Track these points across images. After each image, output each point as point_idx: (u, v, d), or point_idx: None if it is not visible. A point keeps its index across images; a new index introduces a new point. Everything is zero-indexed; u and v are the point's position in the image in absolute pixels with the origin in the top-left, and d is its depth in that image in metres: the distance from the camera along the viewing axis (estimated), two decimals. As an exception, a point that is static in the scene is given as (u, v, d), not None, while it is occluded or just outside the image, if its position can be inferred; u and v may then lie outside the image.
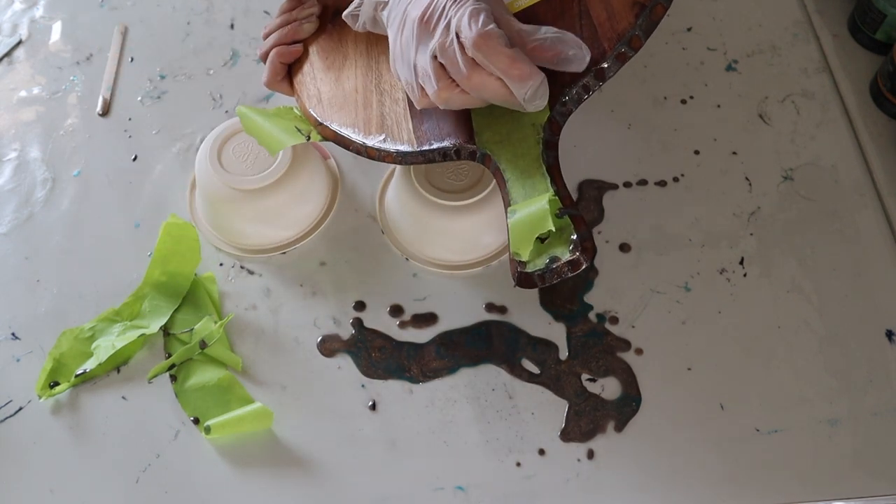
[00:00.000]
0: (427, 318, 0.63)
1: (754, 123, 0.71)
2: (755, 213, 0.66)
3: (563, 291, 0.63)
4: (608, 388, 0.59)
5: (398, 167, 0.64)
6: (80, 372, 0.61)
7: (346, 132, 0.60)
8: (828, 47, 0.74)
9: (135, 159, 0.73)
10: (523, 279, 0.51)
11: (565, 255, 0.50)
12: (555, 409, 0.58)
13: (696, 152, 0.69)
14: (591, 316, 0.62)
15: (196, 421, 0.59)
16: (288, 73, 0.65)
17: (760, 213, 0.66)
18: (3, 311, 0.65)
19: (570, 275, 0.50)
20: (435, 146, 0.57)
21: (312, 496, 0.56)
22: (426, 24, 0.50)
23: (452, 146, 0.56)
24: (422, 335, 0.62)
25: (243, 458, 0.58)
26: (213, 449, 0.58)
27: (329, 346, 0.62)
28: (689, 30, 0.76)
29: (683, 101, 0.72)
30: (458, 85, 0.51)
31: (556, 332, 0.61)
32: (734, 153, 0.69)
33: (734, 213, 0.66)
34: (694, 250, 0.64)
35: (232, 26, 0.80)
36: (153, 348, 0.62)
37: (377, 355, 0.61)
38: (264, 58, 0.65)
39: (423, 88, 0.52)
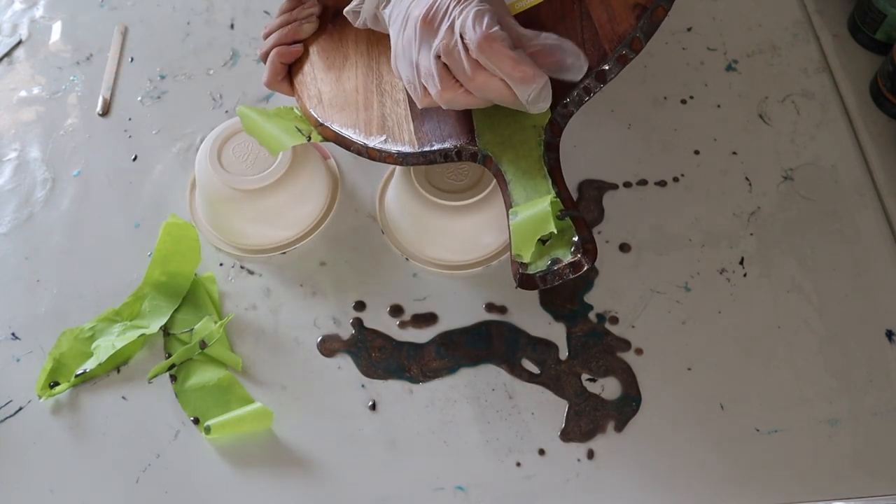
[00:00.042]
0: (427, 318, 0.63)
1: (754, 123, 0.71)
2: (755, 213, 0.66)
3: (563, 291, 0.63)
4: (608, 388, 0.59)
5: (398, 167, 0.64)
6: (80, 372, 0.61)
7: (347, 133, 0.60)
8: (828, 47, 0.74)
9: (135, 159, 0.73)
10: (525, 280, 0.51)
11: (567, 257, 0.50)
12: (555, 409, 0.58)
13: (696, 152, 0.69)
14: (591, 316, 0.62)
15: (196, 421, 0.59)
16: (288, 73, 0.65)
17: (760, 213, 0.66)
18: (3, 311, 0.65)
19: (571, 276, 0.50)
20: (436, 147, 0.57)
21: (312, 496, 0.56)
22: (429, 24, 0.50)
23: (454, 147, 0.56)
24: (422, 335, 0.62)
25: (243, 458, 0.58)
26: (213, 449, 0.58)
27: (329, 346, 0.62)
28: (689, 30, 0.76)
29: (683, 101, 0.72)
30: (461, 85, 0.51)
31: (556, 332, 0.61)
32: (734, 153, 0.69)
33: (734, 213, 0.66)
34: (694, 250, 0.64)
35: (232, 26, 0.80)
36: (153, 348, 0.62)
37: (377, 355, 0.61)
38: (264, 58, 0.65)
39: (425, 88, 0.52)
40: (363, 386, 0.60)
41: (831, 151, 0.69)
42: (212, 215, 0.67)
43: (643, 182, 0.68)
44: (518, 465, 0.57)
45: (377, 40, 0.62)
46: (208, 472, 0.58)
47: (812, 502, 0.54)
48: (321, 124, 0.61)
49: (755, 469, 0.56)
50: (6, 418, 0.60)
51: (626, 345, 0.61)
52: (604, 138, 0.70)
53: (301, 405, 0.60)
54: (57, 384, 0.61)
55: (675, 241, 0.65)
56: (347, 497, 0.56)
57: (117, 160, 0.73)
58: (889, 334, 0.60)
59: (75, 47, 0.80)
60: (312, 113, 0.62)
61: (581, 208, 0.66)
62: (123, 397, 0.61)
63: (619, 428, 0.58)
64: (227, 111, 0.75)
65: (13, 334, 0.64)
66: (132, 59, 0.79)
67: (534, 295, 0.63)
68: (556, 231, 0.50)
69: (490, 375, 0.60)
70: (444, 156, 0.56)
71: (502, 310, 0.63)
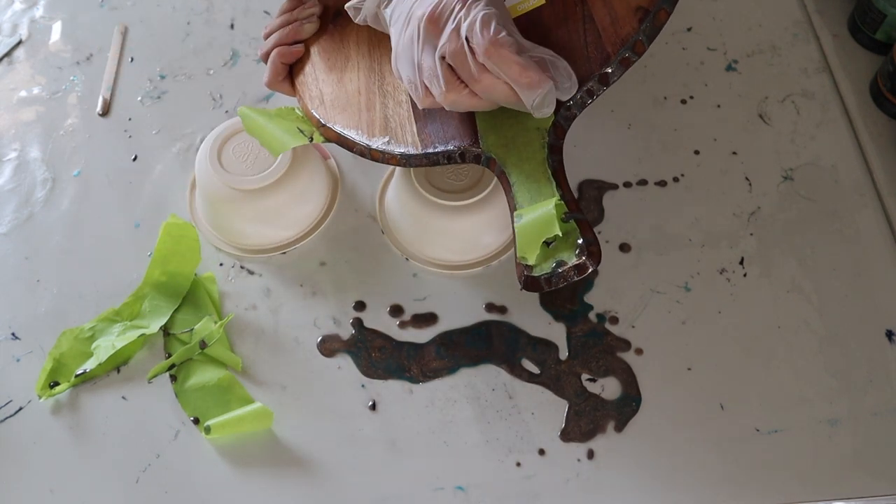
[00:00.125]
0: (427, 318, 0.63)
1: (754, 123, 0.71)
2: (755, 213, 0.66)
3: (563, 291, 0.63)
4: (608, 388, 0.59)
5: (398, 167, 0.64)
6: (80, 372, 0.61)
7: (350, 134, 0.60)
8: (828, 47, 0.74)
9: (135, 159, 0.73)
10: (530, 283, 0.51)
11: (571, 260, 0.50)
12: (555, 409, 0.58)
13: (696, 152, 0.69)
14: (591, 316, 0.62)
15: (196, 421, 0.59)
16: (289, 73, 0.65)
17: (760, 213, 0.66)
18: (3, 311, 0.65)
19: (576, 278, 0.50)
20: (440, 149, 0.57)
21: (312, 496, 0.56)
22: (434, 23, 0.50)
23: (457, 149, 0.56)
24: (422, 335, 0.62)
25: (243, 458, 0.58)
26: (213, 449, 0.58)
27: (329, 346, 0.62)
28: (689, 30, 0.76)
29: (683, 101, 0.72)
30: (466, 87, 0.51)
31: (556, 332, 0.61)
32: (734, 153, 0.69)
33: (734, 213, 0.66)
34: (694, 250, 0.64)
35: (232, 26, 0.80)
36: (153, 348, 0.62)
37: (377, 355, 0.61)
38: (265, 58, 0.65)
39: (427, 88, 0.52)
40: (363, 386, 0.60)
41: (831, 151, 0.69)
42: (212, 215, 0.67)
43: (643, 182, 0.68)
44: (518, 465, 0.57)
45: (378, 41, 0.62)
46: (208, 472, 0.58)
47: (812, 502, 0.54)
48: (323, 125, 0.61)
49: (755, 469, 0.56)
50: (6, 418, 0.60)
51: (626, 345, 0.61)
52: (604, 138, 0.70)
53: (301, 405, 0.60)
54: (57, 384, 0.61)
55: (675, 241, 0.65)
56: (347, 497, 0.56)
57: (117, 160, 0.73)
58: (889, 334, 0.60)
59: (75, 47, 0.80)
60: (314, 114, 0.62)
61: (581, 208, 0.66)
62: (123, 397, 0.61)
63: (619, 428, 0.58)
64: (227, 111, 0.75)
65: (13, 334, 0.64)
66: (132, 59, 0.79)
67: (534, 295, 0.63)
68: (560, 234, 0.50)
69: (490, 375, 0.60)
70: (448, 157, 0.56)
71: (502, 310, 0.63)
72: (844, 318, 0.61)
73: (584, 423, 0.58)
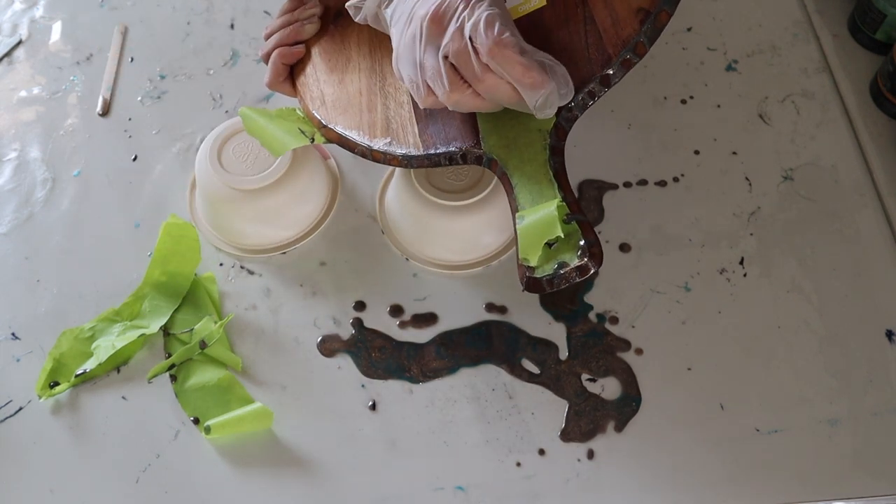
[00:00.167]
0: (427, 318, 0.63)
1: (754, 123, 0.71)
2: (755, 213, 0.66)
3: (563, 292, 0.63)
4: (608, 388, 0.59)
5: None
6: (80, 372, 0.61)
7: (351, 135, 0.60)
8: (828, 47, 0.74)
9: (135, 159, 0.73)
10: (532, 284, 0.51)
11: (574, 261, 0.50)
12: (555, 409, 0.58)
13: (696, 152, 0.69)
14: (591, 316, 0.62)
15: (196, 421, 0.59)
16: (290, 74, 0.65)
17: (760, 213, 0.66)
18: (3, 311, 0.65)
19: (578, 280, 0.50)
20: (441, 150, 0.57)
21: (312, 496, 0.56)
22: (437, 23, 0.50)
23: (459, 150, 0.56)
24: (422, 335, 0.62)
25: (243, 458, 0.58)
26: (213, 449, 0.58)
27: (329, 346, 0.62)
28: (689, 30, 0.76)
29: (683, 101, 0.72)
30: (469, 86, 0.51)
31: (556, 332, 0.61)
32: (734, 153, 0.69)
33: (734, 213, 0.66)
34: (694, 250, 0.64)
35: (232, 26, 0.80)
36: (153, 348, 0.62)
37: (377, 355, 0.61)
38: (266, 59, 0.65)
39: (429, 87, 0.52)
40: (363, 386, 0.60)
41: (831, 151, 0.69)
42: (212, 215, 0.67)
43: (643, 182, 0.68)
44: (518, 465, 0.57)
45: (379, 42, 0.62)
46: (208, 472, 0.58)
47: (812, 502, 0.54)
48: (324, 126, 0.61)
49: (755, 469, 0.56)
50: (6, 418, 0.60)
51: (626, 345, 0.61)
52: (604, 138, 0.70)
53: (301, 405, 0.60)
54: (57, 384, 0.61)
55: (675, 241, 0.65)
56: (347, 497, 0.56)
57: (117, 160, 0.73)
58: (889, 334, 0.60)
59: (75, 47, 0.80)
60: (315, 115, 0.62)
61: (582, 210, 0.66)
62: (123, 397, 0.61)
63: (619, 428, 0.58)
64: (227, 111, 0.75)
65: (13, 334, 0.64)
66: (132, 59, 0.79)
67: (534, 295, 0.63)
68: (562, 235, 0.50)
69: (490, 375, 0.60)
70: (449, 159, 0.56)
71: (502, 310, 0.63)
72: (844, 318, 0.61)
73: (584, 423, 0.58)
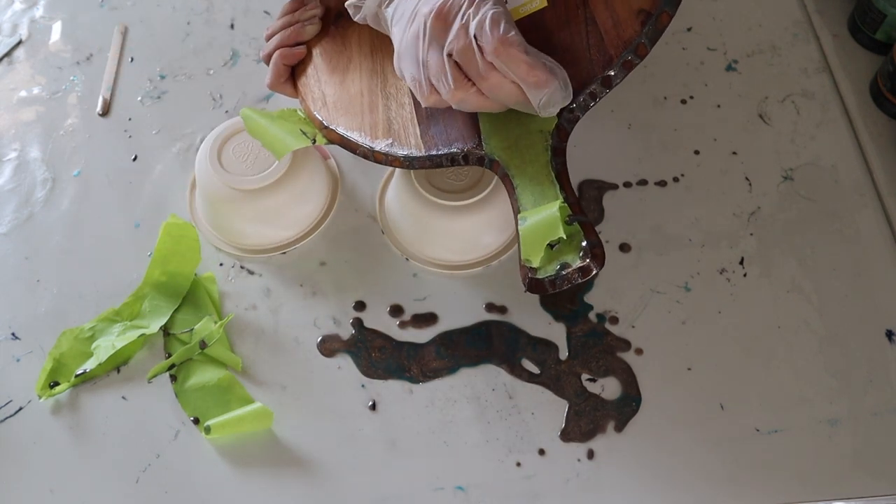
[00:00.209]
0: (427, 318, 0.63)
1: (754, 123, 0.71)
2: (755, 213, 0.66)
3: (563, 292, 0.63)
4: (608, 388, 0.59)
5: (398, 167, 0.64)
6: (80, 372, 0.61)
7: (353, 136, 0.60)
8: (828, 47, 0.74)
9: (135, 159, 0.73)
10: (534, 285, 0.51)
11: (576, 262, 0.50)
12: (555, 409, 0.58)
13: (696, 152, 0.69)
14: (591, 316, 0.62)
15: (196, 421, 0.59)
16: (291, 75, 0.65)
17: (760, 213, 0.66)
18: (3, 311, 0.65)
19: (580, 281, 0.50)
20: (443, 151, 0.57)
21: (312, 496, 0.56)
22: (442, 21, 0.50)
23: (460, 151, 0.56)
24: (422, 335, 0.62)
25: (243, 458, 0.58)
26: (213, 449, 0.58)
27: (329, 346, 0.62)
28: (689, 30, 0.76)
29: (683, 101, 0.72)
30: (473, 85, 0.51)
31: (556, 332, 0.61)
32: (734, 153, 0.69)
33: (734, 213, 0.66)
34: (694, 250, 0.64)
35: (232, 26, 0.80)
36: (153, 348, 0.62)
37: (377, 355, 0.61)
38: (267, 60, 0.65)
39: (432, 86, 0.52)
40: (363, 386, 0.60)
41: (831, 151, 0.69)
42: (212, 215, 0.67)
43: (643, 182, 0.68)
44: (518, 465, 0.57)
45: (381, 43, 0.62)
46: (208, 472, 0.58)
47: (812, 502, 0.54)
48: (326, 127, 0.61)
49: (755, 469, 0.56)
50: (6, 418, 0.60)
51: (626, 345, 0.61)
52: (604, 138, 0.70)
53: (301, 405, 0.60)
54: (57, 384, 0.61)
55: (675, 241, 0.65)
56: (347, 497, 0.56)
57: (117, 160, 0.73)
58: (889, 334, 0.60)
59: (75, 47, 0.80)
60: (317, 116, 0.62)
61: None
62: (123, 397, 0.61)
63: (619, 428, 0.58)
64: (227, 111, 0.75)
65: (13, 334, 0.64)
66: (132, 59, 0.79)
67: (534, 295, 0.63)
68: (564, 236, 0.50)
69: (490, 375, 0.60)
70: (451, 160, 0.56)
71: (502, 310, 0.63)
72: (844, 318, 0.61)
73: (584, 423, 0.58)
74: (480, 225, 0.63)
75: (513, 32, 0.49)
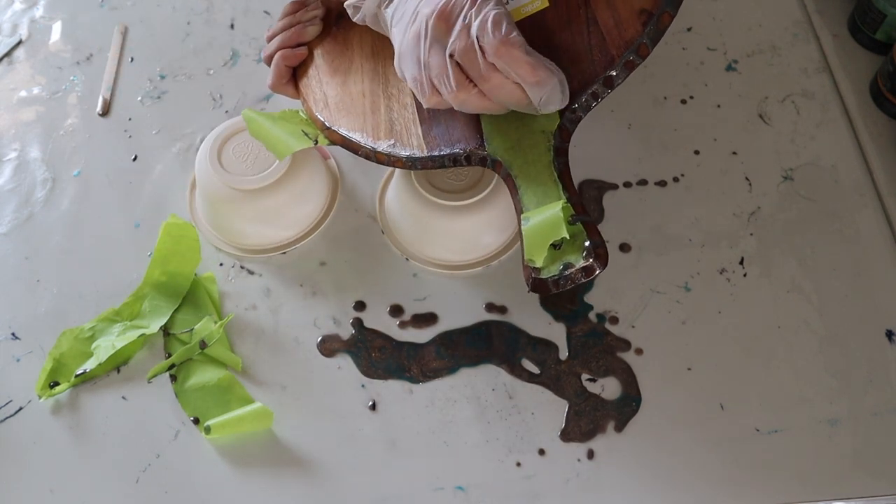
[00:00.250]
0: (427, 318, 0.63)
1: (754, 123, 0.71)
2: (755, 213, 0.66)
3: (563, 292, 0.63)
4: (608, 388, 0.59)
5: (398, 167, 0.64)
6: (80, 372, 0.61)
7: (355, 137, 0.60)
8: (828, 47, 0.74)
9: (135, 159, 0.73)
10: (537, 285, 0.51)
11: (579, 262, 0.50)
12: (555, 409, 0.58)
13: (696, 152, 0.69)
14: (591, 316, 0.62)
15: (196, 421, 0.59)
16: (293, 76, 0.65)
17: (760, 213, 0.66)
18: (3, 311, 0.65)
19: (583, 280, 0.50)
20: (445, 152, 0.57)
21: (312, 496, 0.56)
22: (444, 22, 0.50)
23: (463, 152, 0.56)
24: (422, 335, 0.62)
25: (243, 458, 0.58)
26: (213, 449, 0.58)
27: (329, 346, 0.62)
28: (689, 30, 0.76)
29: (683, 101, 0.72)
30: (475, 86, 0.51)
31: (556, 332, 0.61)
32: (734, 153, 0.69)
33: (734, 213, 0.66)
34: (694, 250, 0.64)
35: (232, 26, 0.80)
36: (153, 348, 0.62)
37: (377, 355, 0.61)
38: (268, 61, 0.65)
39: (433, 86, 0.52)
40: (363, 386, 0.60)
41: (831, 151, 0.69)
42: (212, 215, 0.67)
43: (643, 182, 0.68)
44: (518, 465, 0.57)
45: (382, 44, 0.62)
46: (208, 472, 0.58)
47: (812, 502, 0.54)
48: (328, 128, 0.61)
49: (755, 469, 0.56)
50: (6, 418, 0.60)
51: (626, 345, 0.61)
52: (604, 138, 0.70)
53: (301, 405, 0.60)
54: (57, 384, 0.61)
55: (675, 241, 0.65)
56: (347, 497, 0.56)
57: (117, 160, 0.73)
58: (889, 334, 0.60)
59: (75, 47, 0.80)
60: (319, 117, 0.62)
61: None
62: (123, 397, 0.61)
63: (619, 428, 0.58)
64: (227, 111, 0.75)
65: (13, 334, 0.64)
66: (132, 59, 0.79)
67: (534, 295, 0.63)
68: (567, 236, 0.50)
69: (490, 375, 0.60)
70: (454, 160, 0.56)
71: (502, 310, 0.63)
72: (844, 318, 0.61)
73: (584, 423, 0.58)
74: (480, 225, 0.63)
75: (514, 33, 0.49)
